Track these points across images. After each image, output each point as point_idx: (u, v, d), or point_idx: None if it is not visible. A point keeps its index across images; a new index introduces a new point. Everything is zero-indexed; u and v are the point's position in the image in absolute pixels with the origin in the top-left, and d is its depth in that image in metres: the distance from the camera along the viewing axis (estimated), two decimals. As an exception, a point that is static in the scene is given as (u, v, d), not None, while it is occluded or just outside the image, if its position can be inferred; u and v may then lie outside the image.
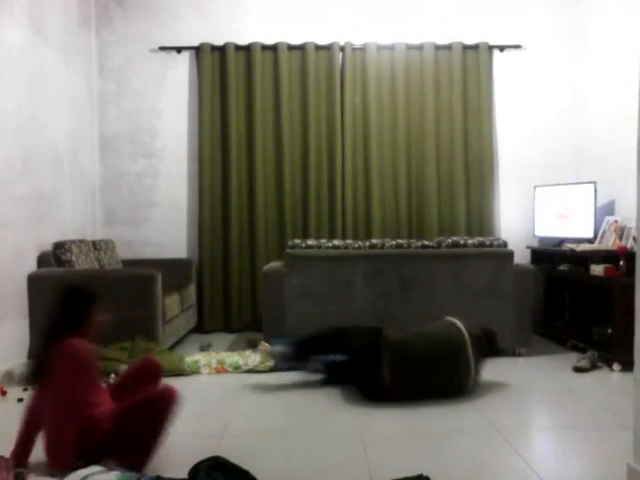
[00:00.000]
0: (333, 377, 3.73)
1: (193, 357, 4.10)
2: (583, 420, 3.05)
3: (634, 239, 4.31)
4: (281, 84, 5.51)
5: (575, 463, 2.55)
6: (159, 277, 4.21)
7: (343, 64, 5.56)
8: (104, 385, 2.74)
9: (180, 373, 3.89)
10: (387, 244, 4.43)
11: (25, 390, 3.44)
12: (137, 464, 2.31)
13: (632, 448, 2.22)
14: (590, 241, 4.76)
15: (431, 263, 4.34)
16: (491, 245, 4.39)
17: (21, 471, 2.28)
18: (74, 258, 4.34)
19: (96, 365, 2.50)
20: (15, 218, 4.07)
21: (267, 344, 4.20)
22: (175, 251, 5.64)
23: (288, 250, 4.40)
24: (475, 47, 5.58)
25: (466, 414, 3.13)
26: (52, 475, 2.29)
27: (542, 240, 5.51)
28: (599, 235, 4.81)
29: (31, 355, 2.78)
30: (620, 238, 4.50)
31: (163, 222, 5.67)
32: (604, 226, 4.81)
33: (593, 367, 4.00)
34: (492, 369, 3.76)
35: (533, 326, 4.47)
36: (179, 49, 5.59)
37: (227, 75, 5.51)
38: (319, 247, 4.42)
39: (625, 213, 4.65)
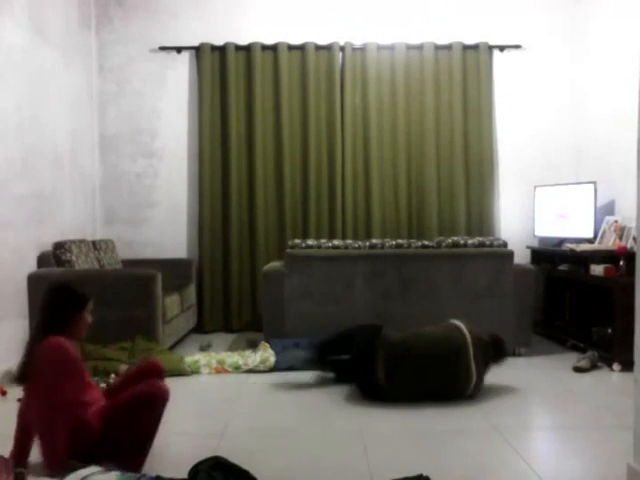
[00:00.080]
0: (340, 376, 3.72)
1: (193, 357, 4.10)
2: (583, 420, 3.05)
3: (634, 239, 4.31)
4: (281, 84, 5.51)
5: (575, 463, 2.55)
6: (159, 277, 4.21)
7: (343, 64, 5.56)
8: (97, 384, 2.68)
9: (180, 373, 3.89)
10: (387, 244, 4.44)
11: (25, 390, 3.43)
12: (133, 464, 2.31)
13: (632, 448, 2.22)
14: (590, 241, 4.75)
15: (431, 263, 4.34)
16: (491, 245, 4.39)
17: (21, 471, 2.28)
18: (74, 258, 4.34)
19: (81, 362, 2.44)
20: (15, 218, 4.07)
21: (267, 344, 4.22)
22: (175, 251, 5.64)
23: (288, 250, 4.40)
24: (475, 47, 5.58)
25: (466, 414, 3.13)
26: (51, 475, 2.28)
27: (542, 240, 5.51)
28: (599, 235, 4.81)
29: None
30: (620, 238, 4.50)
31: (163, 222, 5.67)
32: (604, 226, 4.81)
33: (593, 367, 4.00)
34: (492, 369, 3.75)
35: (533, 326, 4.47)
36: (179, 49, 5.59)
37: (227, 75, 5.51)
38: (319, 247, 4.42)
39: (625, 213, 4.65)
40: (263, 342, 4.26)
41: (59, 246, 4.33)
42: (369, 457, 2.57)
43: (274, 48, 5.53)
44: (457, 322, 3.46)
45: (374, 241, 4.49)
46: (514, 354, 4.36)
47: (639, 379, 2.19)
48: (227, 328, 5.51)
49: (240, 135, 5.57)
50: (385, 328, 3.48)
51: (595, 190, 4.75)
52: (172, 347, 4.58)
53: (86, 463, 2.19)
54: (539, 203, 5.38)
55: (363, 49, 5.55)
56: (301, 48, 5.55)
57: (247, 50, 5.54)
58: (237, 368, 4.01)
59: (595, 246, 4.57)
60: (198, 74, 5.56)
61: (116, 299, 4.06)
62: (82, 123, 5.31)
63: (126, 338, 4.05)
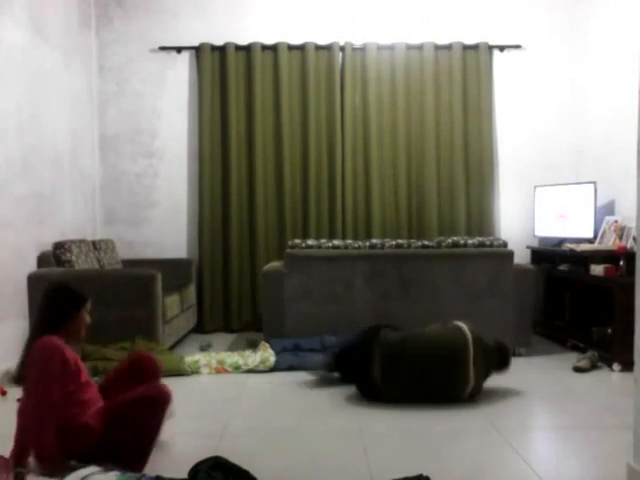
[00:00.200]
0: (345, 375, 3.70)
1: (193, 357, 4.10)
2: (583, 420, 3.05)
3: (634, 239, 4.31)
4: (281, 84, 5.51)
5: (575, 463, 2.55)
6: (159, 277, 4.21)
7: (343, 64, 5.56)
8: (96, 383, 2.65)
9: (180, 373, 3.89)
10: (387, 244, 4.44)
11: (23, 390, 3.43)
12: (134, 465, 2.31)
13: (632, 448, 2.22)
14: (590, 241, 4.75)
15: (431, 263, 4.34)
16: (491, 245, 4.39)
17: (21, 471, 2.28)
18: (74, 258, 4.34)
19: (75, 362, 2.40)
20: (15, 218, 4.07)
21: (267, 344, 4.22)
22: (175, 251, 5.64)
23: (288, 250, 4.40)
24: (475, 47, 5.58)
25: (466, 414, 3.13)
26: (50, 476, 2.28)
27: (542, 240, 5.51)
28: (599, 235, 4.81)
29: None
30: (620, 238, 4.50)
31: (163, 222, 5.67)
32: (604, 226, 4.81)
33: (593, 367, 4.00)
34: (494, 376, 3.72)
35: (533, 326, 4.47)
36: (179, 49, 5.59)
37: (227, 75, 5.51)
38: (319, 247, 4.42)
39: (625, 213, 4.65)
40: (263, 342, 4.26)
41: (59, 246, 4.33)
42: (369, 457, 2.57)
43: (274, 48, 5.53)
44: (461, 324, 3.39)
45: (374, 241, 4.49)
46: (514, 354, 4.35)
47: (639, 379, 2.19)
48: (227, 328, 5.51)
49: (240, 135, 5.57)
50: (384, 329, 3.45)
51: (595, 190, 4.75)
52: (172, 347, 4.58)
53: (86, 463, 2.19)
54: (539, 203, 5.38)
55: (363, 49, 5.55)
56: (301, 48, 5.54)
57: (247, 50, 5.54)
58: (237, 368, 4.01)
59: (595, 246, 4.58)
60: (198, 74, 5.56)
61: (116, 299, 4.06)
62: (82, 123, 5.31)
63: (126, 338, 4.05)
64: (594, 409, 3.22)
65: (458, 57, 5.55)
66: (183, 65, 5.65)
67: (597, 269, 4.21)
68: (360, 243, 4.48)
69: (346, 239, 5.39)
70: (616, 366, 3.95)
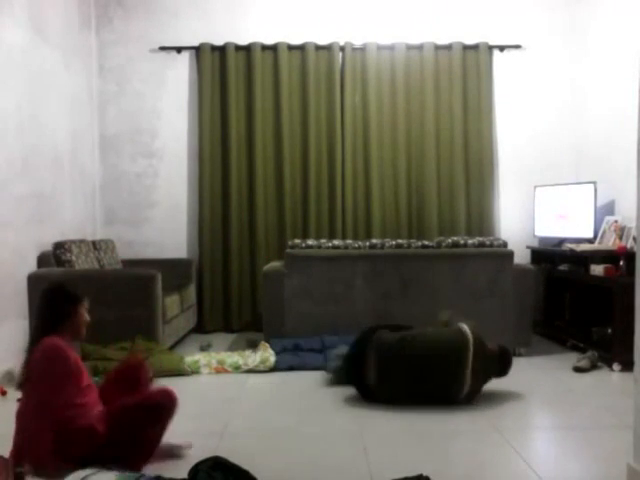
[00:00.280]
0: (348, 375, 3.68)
1: (193, 357, 4.10)
2: (583, 420, 3.05)
3: (634, 239, 4.31)
4: (281, 84, 5.51)
5: (575, 463, 2.55)
6: (159, 277, 4.21)
7: (343, 64, 5.56)
8: (96, 384, 2.64)
9: (180, 373, 3.89)
10: (387, 244, 4.44)
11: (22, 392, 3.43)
12: (135, 466, 2.31)
13: (632, 448, 2.22)
14: (590, 241, 4.75)
15: (431, 263, 4.34)
16: (491, 245, 4.39)
17: (21, 471, 2.28)
18: (74, 258, 4.34)
19: (77, 364, 2.40)
20: (15, 218, 4.07)
21: (267, 344, 4.22)
22: (175, 251, 5.64)
23: (288, 250, 4.40)
24: (475, 47, 5.58)
25: (466, 414, 3.13)
26: (49, 476, 2.28)
27: (542, 240, 5.51)
28: (599, 235, 4.81)
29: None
30: (620, 238, 4.50)
31: (163, 222, 5.67)
32: (604, 226, 4.81)
33: (593, 367, 4.00)
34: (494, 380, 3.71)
35: (533, 326, 4.47)
36: (179, 49, 5.59)
37: (227, 75, 5.51)
38: (319, 247, 4.42)
39: (625, 213, 4.65)
40: (263, 342, 4.26)
41: (59, 246, 4.33)
42: (369, 457, 2.57)
43: (274, 48, 5.53)
44: (464, 326, 3.31)
45: (374, 241, 4.49)
46: (514, 354, 4.35)
47: (639, 379, 2.19)
48: (227, 328, 5.51)
49: (240, 135, 5.57)
50: (380, 330, 3.41)
51: (595, 190, 4.75)
52: (172, 347, 4.58)
53: (88, 465, 2.18)
54: (539, 203, 5.37)
55: (363, 49, 5.55)
56: (301, 48, 5.54)
57: (247, 50, 5.54)
58: (237, 368, 4.01)
59: (595, 246, 4.58)
60: (198, 74, 5.56)
61: (116, 299, 4.06)
62: (82, 123, 5.31)
63: (126, 338, 4.05)
64: (594, 409, 3.22)
65: (458, 57, 5.55)
66: (183, 65, 5.65)
67: (597, 269, 4.21)
68: (360, 243, 4.48)
69: (346, 239, 5.38)
70: (616, 366, 3.94)
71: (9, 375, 3.66)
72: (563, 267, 4.75)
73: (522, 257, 5.19)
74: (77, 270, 4.29)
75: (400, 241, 4.48)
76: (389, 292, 4.30)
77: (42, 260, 4.30)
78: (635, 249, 2.56)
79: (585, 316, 4.73)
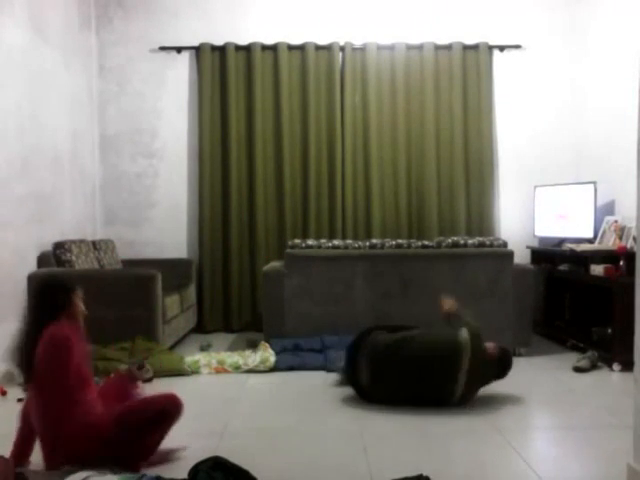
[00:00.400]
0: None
1: (193, 357, 4.10)
2: (583, 420, 3.05)
3: (634, 239, 4.31)
4: (281, 84, 5.51)
5: (575, 463, 2.55)
6: (159, 277, 4.21)
7: (343, 64, 5.56)
8: (97, 385, 2.64)
9: (180, 373, 3.89)
10: (387, 244, 4.44)
11: (25, 390, 3.44)
12: (132, 467, 2.31)
13: (632, 448, 2.22)
14: (590, 241, 4.75)
15: (431, 263, 4.34)
16: (491, 245, 4.39)
17: (21, 471, 2.28)
18: (74, 258, 4.34)
19: (81, 349, 2.37)
20: (15, 218, 4.07)
21: (267, 344, 4.22)
22: (175, 251, 5.64)
23: (288, 250, 4.40)
24: (475, 47, 5.58)
25: (466, 414, 3.12)
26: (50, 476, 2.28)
27: (542, 240, 5.51)
28: (599, 235, 4.81)
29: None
30: (620, 238, 4.50)
31: (163, 222, 5.67)
32: (604, 226, 4.81)
33: (593, 367, 4.00)
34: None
35: (533, 326, 4.47)
36: (179, 49, 5.59)
37: (227, 75, 5.51)
38: (319, 247, 4.42)
39: (625, 213, 4.65)
40: (263, 342, 4.26)
41: (59, 246, 4.33)
42: (369, 457, 2.57)
43: (274, 48, 5.53)
44: (463, 331, 3.23)
45: (374, 241, 4.49)
46: (514, 354, 4.35)
47: (639, 379, 2.19)
48: (227, 328, 5.51)
49: (240, 135, 5.57)
50: (375, 331, 3.40)
51: (595, 190, 4.75)
52: (172, 347, 4.58)
53: (88, 465, 2.18)
54: (539, 203, 5.38)
55: (363, 49, 5.55)
56: (301, 48, 5.54)
57: (247, 50, 5.54)
58: (237, 368, 4.01)
59: (595, 246, 4.58)
60: (198, 74, 5.56)
61: (116, 299, 4.06)
62: (82, 123, 5.31)
63: (126, 338, 4.05)
64: (594, 409, 3.22)
65: (458, 57, 5.55)
66: (183, 65, 5.65)
67: (597, 269, 4.21)
68: (360, 243, 4.48)
69: (346, 239, 5.38)
70: (616, 366, 3.94)
71: (9, 375, 3.66)
72: (563, 267, 4.74)
73: (522, 257, 5.19)
74: (77, 270, 4.29)
75: (400, 241, 4.48)
76: (389, 292, 4.30)
77: (42, 260, 4.30)
78: (635, 249, 2.56)
79: (585, 316, 4.73)
